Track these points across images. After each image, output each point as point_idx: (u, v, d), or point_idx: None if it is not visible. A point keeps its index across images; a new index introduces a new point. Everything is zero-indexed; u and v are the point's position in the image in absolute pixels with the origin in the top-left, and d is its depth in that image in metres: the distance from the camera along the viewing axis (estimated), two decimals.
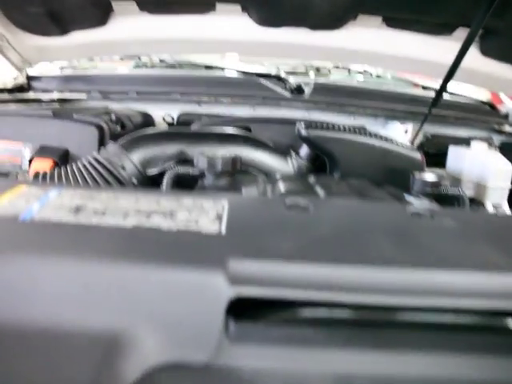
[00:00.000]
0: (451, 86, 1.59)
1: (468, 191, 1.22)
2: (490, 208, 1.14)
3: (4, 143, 0.92)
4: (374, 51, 1.29)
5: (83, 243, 0.36)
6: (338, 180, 0.72)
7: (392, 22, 1.23)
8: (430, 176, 0.71)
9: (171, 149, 0.81)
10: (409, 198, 0.68)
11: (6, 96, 1.29)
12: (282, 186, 0.63)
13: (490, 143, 1.42)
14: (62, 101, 1.34)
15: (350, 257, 0.35)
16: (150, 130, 0.86)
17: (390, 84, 1.60)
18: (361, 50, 1.29)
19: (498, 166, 1.13)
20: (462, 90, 1.55)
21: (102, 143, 0.93)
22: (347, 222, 0.44)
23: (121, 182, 0.76)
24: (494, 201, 1.14)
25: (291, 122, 1.00)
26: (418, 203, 0.65)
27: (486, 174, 1.13)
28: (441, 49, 1.28)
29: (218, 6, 1.21)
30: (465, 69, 1.33)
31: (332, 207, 0.48)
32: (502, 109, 1.52)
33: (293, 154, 0.83)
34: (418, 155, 0.81)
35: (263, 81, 1.36)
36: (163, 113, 1.36)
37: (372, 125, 1.38)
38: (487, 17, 0.92)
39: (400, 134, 1.30)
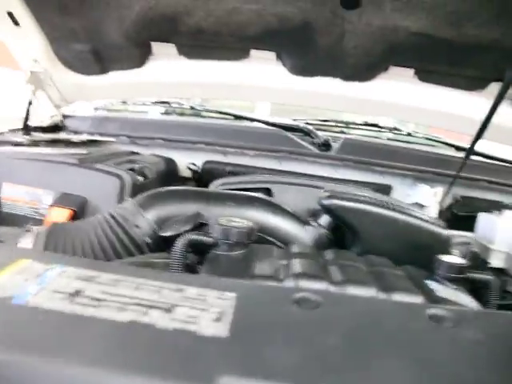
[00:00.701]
0: (484, 145, 1.54)
1: (498, 261, 1.15)
2: None
3: (26, 187, 0.94)
4: (404, 104, 1.28)
5: (70, 343, 0.34)
6: (356, 258, 0.68)
7: (424, 74, 1.22)
8: (456, 259, 0.67)
9: (188, 208, 0.80)
10: (431, 284, 0.63)
11: (39, 134, 1.34)
12: (296, 266, 0.60)
13: None
14: (91, 142, 1.38)
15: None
16: (167, 188, 0.86)
17: (420, 143, 1.56)
18: (392, 102, 1.28)
19: None
20: (494, 149, 1.50)
21: (122, 194, 0.93)
22: (357, 328, 0.40)
23: (134, 241, 0.75)
24: None
25: (314, 186, 0.98)
26: (441, 291, 0.60)
27: None
28: (474, 104, 1.24)
29: (253, 52, 1.24)
30: (497, 126, 1.29)
31: (342, 307, 0.44)
32: None
33: (313, 222, 0.81)
34: (444, 231, 0.76)
35: (290, 134, 1.36)
36: (188, 160, 1.37)
37: (399, 184, 1.34)
38: None
39: (429, 197, 1.25)
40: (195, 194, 0.82)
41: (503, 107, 1.13)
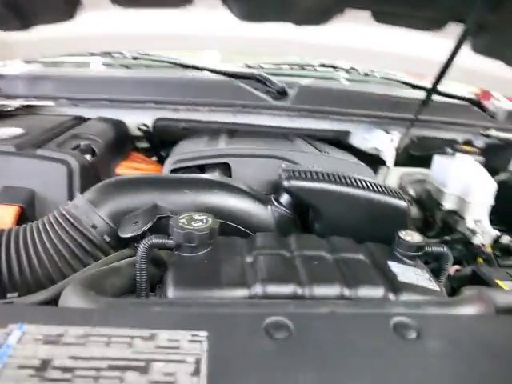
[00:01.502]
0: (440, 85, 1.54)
1: (450, 204, 1.22)
2: (470, 223, 1.14)
3: None
4: (362, 47, 1.22)
5: None
6: (319, 244, 0.69)
7: (381, 16, 1.15)
8: (415, 237, 0.69)
9: (143, 198, 0.76)
10: (393, 266, 0.66)
11: None
12: (262, 267, 0.61)
13: (473, 145, 1.40)
14: (27, 107, 1.24)
15: None
16: (118, 178, 0.80)
17: (377, 84, 1.52)
18: (348, 46, 1.21)
19: (482, 182, 1.12)
20: (449, 88, 1.50)
21: (71, 181, 0.87)
22: (327, 353, 0.43)
23: (93, 242, 0.72)
24: (475, 216, 1.14)
25: (274, 157, 0.95)
26: (403, 275, 0.64)
27: (470, 189, 1.13)
28: (431, 45, 1.21)
29: None
30: (456, 67, 1.27)
31: (311, 331, 0.46)
32: (490, 106, 1.49)
33: (274, 201, 0.80)
34: (403, 203, 0.78)
35: (244, 84, 1.28)
36: (138, 119, 1.28)
37: (357, 130, 1.33)
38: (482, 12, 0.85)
39: (386, 144, 1.26)
40: (149, 183, 0.77)
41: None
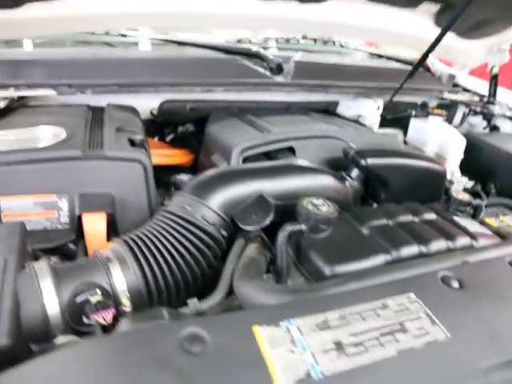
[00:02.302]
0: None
1: None
2: (448, 175, 1.40)
3: (34, 197, 0.78)
4: (353, 24, 1.34)
5: None
6: (401, 208, 0.84)
7: None
8: (465, 195, 0.89)
9: (243, 189, 0.81)
10: (460, 221, 0.84)
11: None
12: (383, 234, 0.74)
13: (428, 106, 1.66)
14: (21, 98, 1.11)
15: None
16: (217, 171, 0.83)
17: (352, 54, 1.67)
18: (343, 22, 1.32)
19: (455, 139, 1.38)
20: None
21: (147, 179, 0.86)
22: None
23: (214, 238, 0.74)
24: (451, 169, 1.41)
25: (328, 137, 1.05)
26: (469, 226, 0.83)
27: (446, 146, 1.37)
28: (408, 21, 1.39)
29: None
30: (415, 38, 1.48)
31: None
32: (433, 70, 1.75)
33: (347, 177, 0.92)
34: (443, 168, 0.97)
35: (246, 61, 1.31)
36: (144, 103, 1.24)
37: (343, 100, 1.48)
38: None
39: (373, 110, 1.44)
40: (251, 173, 0.82)
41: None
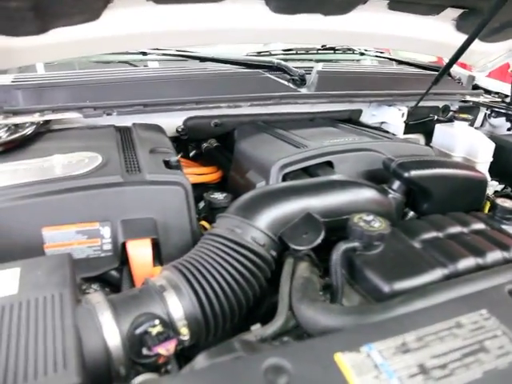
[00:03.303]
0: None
1: None
2: None
3: (76, 226, 0.77)
4: (376, 33, 1.34)
5: None
6: (447, 219, 0.82)
7: (395, 5, 1.28)
8: (510, 203, 0.87)
9: (292, 207, 0.79)
10: (506, 228, 0.82)
11: None
12: (437, 248, 0.72)
13: (449, 109, 1.65)
14: (46, 123, 1.11)
15: None
16: (261, 191, 0.82)
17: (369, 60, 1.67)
18: (366, 32, 1.32)
19: (484, 143, 1.36)
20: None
21: (188, 202, 0.85)
22: None
23: (264, 259, 0.73)
24: None
25: (364, 149, 1.04)
26: None
27: (475, 150, 1.36)
28: (430, 28, 1.38)
29: None
30: (434, 43, 1.47)
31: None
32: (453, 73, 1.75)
33: (389, 190, 0.90)
34: (484, 176, 0.95)
35: (271, 75, 1.31)
36: (169, 121, 1.24)
37: (367, 108, 1.47)
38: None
39: (397, 117, 1.43)
40: (296, 191, 0.81)
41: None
